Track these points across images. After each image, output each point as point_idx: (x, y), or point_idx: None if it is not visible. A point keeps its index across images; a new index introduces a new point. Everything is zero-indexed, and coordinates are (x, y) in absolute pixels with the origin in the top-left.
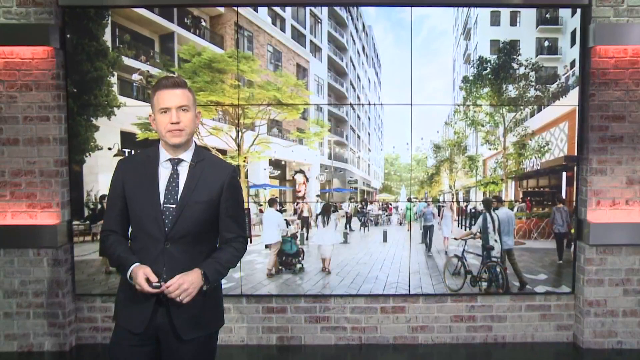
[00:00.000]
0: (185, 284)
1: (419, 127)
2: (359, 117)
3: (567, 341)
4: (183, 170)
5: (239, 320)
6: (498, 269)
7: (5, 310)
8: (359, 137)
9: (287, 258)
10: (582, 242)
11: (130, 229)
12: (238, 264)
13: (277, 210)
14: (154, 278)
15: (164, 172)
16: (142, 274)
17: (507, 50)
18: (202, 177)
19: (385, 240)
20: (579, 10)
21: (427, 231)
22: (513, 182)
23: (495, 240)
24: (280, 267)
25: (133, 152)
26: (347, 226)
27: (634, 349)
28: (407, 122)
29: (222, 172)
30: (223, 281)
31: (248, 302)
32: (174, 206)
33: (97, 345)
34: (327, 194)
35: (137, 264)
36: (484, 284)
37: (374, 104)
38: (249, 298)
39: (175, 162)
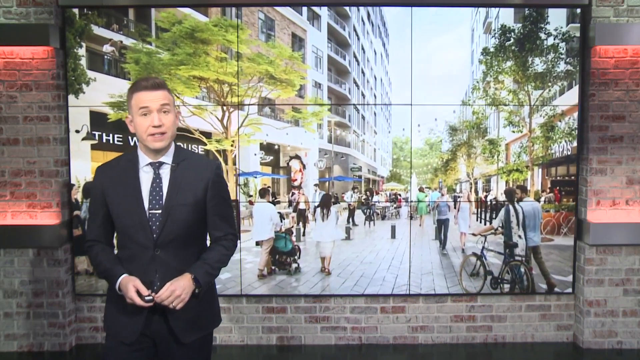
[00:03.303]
0: (177, 290)
1: (431, 106)
2: (363, 94)
3: (567, 341)
4: (165, 174)
5: (239, 320)
6: (522, 269)
7: (5, 310)
8: (363, 117)
9: (281, 257)
10: (582, 242)
11: (116, 237)
12: (238, 264)
13: (269, 202)
14: (145, 291)
15: (145, 177)
16: (132, 287)
17: (534, 18)
18: (185, 179)
19: (393, 236)
20: None
21: (442, 225)
22: (540, 170)
23: (519, 236)
24: (273, 267)
25: (103, 134)
26: (350, 220)
27: (634, 349)
28: (419, 98)
29: (205, 170)
30: None
31: (248, 302)
32: (159, 211)
33: (97, 345)
34: (327, 183)
35: (125, 275)
36: (506, 286)
37: (369, 104)
38: (249, 298)
39: (157, 166)
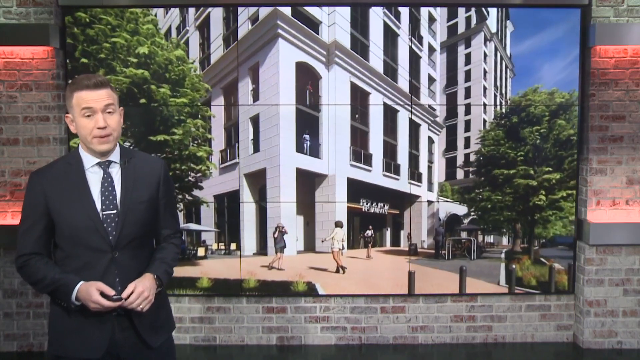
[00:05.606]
0: (145, 292)
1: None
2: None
3: (567, 341)
4: (115, 172)
5: (239, 320)
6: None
7: (5, 310)
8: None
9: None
10: (582, 242)
11: (59, 249)
12: (237, 263)
13: None
14: (110, 291)
15: (93, 178)
16: (95, 291)
17: None
18: (138, 175)
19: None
20: None
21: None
22: None
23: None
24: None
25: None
26: None
27: (634, 349)
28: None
29: (155, 166)
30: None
31: (248, 302)
32: (114, 212)
33: None
34: None
35: (82, 282)
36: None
37: (362, 105)
38: (249, 298)
39: (106, 165)
